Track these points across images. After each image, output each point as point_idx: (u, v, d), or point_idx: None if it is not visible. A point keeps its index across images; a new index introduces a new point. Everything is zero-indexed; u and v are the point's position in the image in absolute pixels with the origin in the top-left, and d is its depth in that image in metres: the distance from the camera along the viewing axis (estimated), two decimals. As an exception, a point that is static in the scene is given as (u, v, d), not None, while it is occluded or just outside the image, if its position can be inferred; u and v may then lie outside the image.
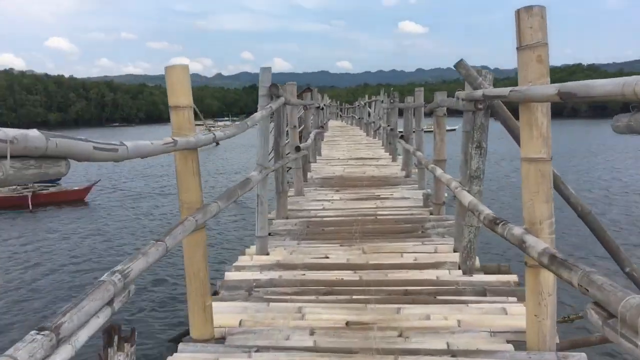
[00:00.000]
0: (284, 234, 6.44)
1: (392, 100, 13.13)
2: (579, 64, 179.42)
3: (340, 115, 46.75)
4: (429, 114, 8.27)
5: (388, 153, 15.12)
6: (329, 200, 8.52)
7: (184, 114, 3.10)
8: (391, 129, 13.05)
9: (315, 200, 8.61)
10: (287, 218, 7.32)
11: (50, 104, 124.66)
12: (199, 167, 3.22)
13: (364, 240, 6.05)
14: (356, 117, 32.54)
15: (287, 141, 10.30)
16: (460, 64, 4.71)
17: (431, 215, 7.24)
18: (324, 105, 22.95)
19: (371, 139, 21.84)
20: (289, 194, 9.23)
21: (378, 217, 7.33)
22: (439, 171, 6.19)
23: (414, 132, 10.31)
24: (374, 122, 22.51)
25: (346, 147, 18.32)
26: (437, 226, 6.56)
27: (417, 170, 10.15)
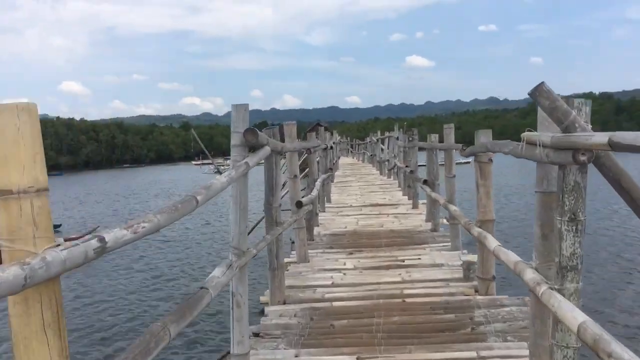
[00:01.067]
0: (277, 336, 4.60)
1: (410, 138, 11.38)
2: (591, 93, 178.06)
3: (351, 152, 45.12)
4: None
5: (407, 197, 13.32)
6: (340, 271, 6.68)
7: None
8: (411, 171, 11.28)
9: (322, 270, 6.78)
10: (284, 303, 5.49)
11: (61, 147, 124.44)
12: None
13: (389, 348, 4.19)
14: (368, 153, 30.82)
15: (285, 193, 8.63)
16: (540, 91, 2.93)
17: (478, 297, 5.38)
18: (334, 143, 21.26)
19: (385, 178, 20.04)
20: (291, 258, 7.44)
21: (406, 299, 5.47)
22: (492, 242, 4.39)
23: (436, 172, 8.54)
24: (388, 160, 20.73)
25: (359, 189, 16.52)
26: (492, 318, 4.69)
27: (446, 222, 8.34)
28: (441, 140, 8.19)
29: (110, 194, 41.31)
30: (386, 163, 21.05)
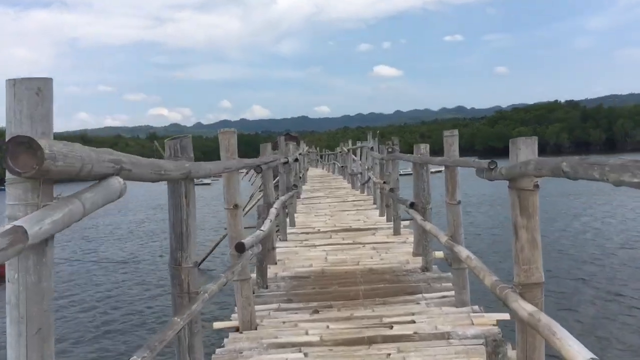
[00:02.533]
0: None
1: (389, 149, 9.29)
2: (556, 101, 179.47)
3: (321, 162, 43.03)
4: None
5: (385, 218, 11.23)
6: (299, 349, 4.48)
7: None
8: (391, 189, 9.19)
9: (274, 346, 4.57)
10: None
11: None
12: None
13: None
14: (338, 164, 28.76)
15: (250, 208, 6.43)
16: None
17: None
18: (299, 155, 19.10)
19: (358, 193, 17.95)
20: (231, 321, 5.27)
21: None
22: (559, 334, 2.31)
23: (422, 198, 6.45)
24: (360, 173, 18.65)
25: (329, 207, 14.36)
26: None
27: (443, 259, 6.26)
28: (437, 150, 6.13)
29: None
30: (359, 176, 18.98)
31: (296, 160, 14.30)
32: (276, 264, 7.59)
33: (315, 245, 8.88)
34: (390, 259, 7.58)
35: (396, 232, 9.46)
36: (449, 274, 6.52)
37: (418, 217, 6.72)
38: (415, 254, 7.59)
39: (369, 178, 15.60)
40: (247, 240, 4.82)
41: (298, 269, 7.25)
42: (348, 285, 6.34)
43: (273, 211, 6.79)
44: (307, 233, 10.16)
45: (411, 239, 8.95)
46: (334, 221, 11.60)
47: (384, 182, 10.98)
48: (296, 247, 8.87)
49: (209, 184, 56.73)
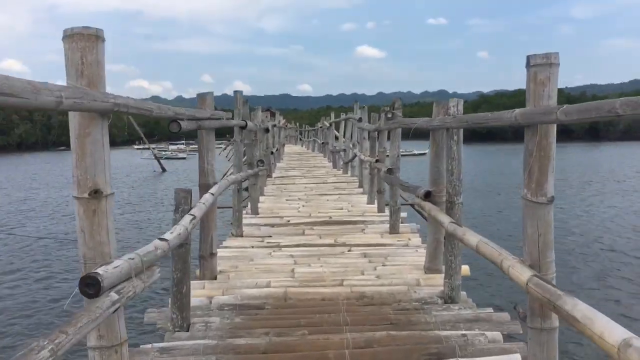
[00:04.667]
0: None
1: (389, 115, 6.63)
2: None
3: (301, 139, 40.23)
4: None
5: (376, 208, 8.66)
6: None
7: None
8: (388, 169, 6.57)
9: None
10: None
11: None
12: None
13: None
14: (319, 141, 26.08)
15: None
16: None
17: None
18: (274, 126, 16.38)
19: (340, 173, 15.35)
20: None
21: None
22: None
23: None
24: (344, 150, 16.00)
25: (304, 190, 11.73)
26: None
27: (519, 316, 4.06)
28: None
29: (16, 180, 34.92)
30: (341, 154, 16.34)
31: (267, 130, 11.61)
32: (216, 278, 4.96)
33: (280, 247, 6.24)
34: (391, 277, 4.97)
35: (393, 229, 6.87)
36: (490, 310, 3.98)
37: (441, 215, 4.13)
38: (428, 269, 5.02)
39: (355, 156, 13.00)
40: (111, 267, 2.16)
41: (247, 291, 4.60)
42: (324, 328, 3.74)
43: (207, 198, 4.13)
44: (273, 225, 7.52)
45: (415, 240, 6.40)
46: (310, 209, 8.97)
47: (377, 161, 8.36)
48: (253, 247, 6.23)
49: (184, 158, 53.76)
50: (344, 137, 17.04)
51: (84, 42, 2.27)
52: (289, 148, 31.30)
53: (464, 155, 4.18)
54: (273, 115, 19.50)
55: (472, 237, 3.26)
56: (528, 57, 2.58)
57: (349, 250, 6.02)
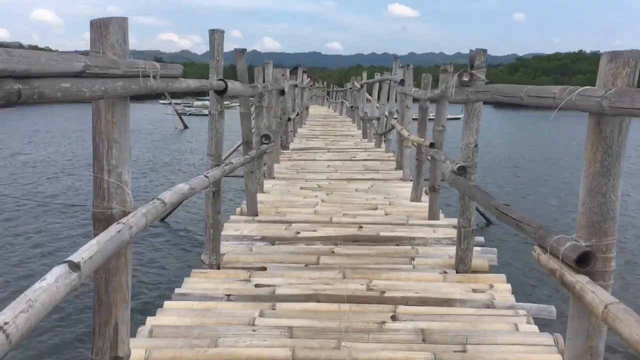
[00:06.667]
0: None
1: (468, 79, 3.96)
2: (581, 51, 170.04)
3: (328, 100, 37.30)
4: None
5: (427, 207, 6.02)
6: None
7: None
8: (460, 168, 3.95)
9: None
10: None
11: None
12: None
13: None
14: (347, 104, 23.29)
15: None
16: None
17: None
18: (294, 86, 13.68)
19: (371, 146, 12.69)
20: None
21: None
22: None
23: None
24: (377, 118, 13.25)
25: (327, 170, 9.14)
26: None
27: None
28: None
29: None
30: (374, 123, 13.60)
31: (282, 92, 8.95)
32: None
33: (273, 300, 3.67)
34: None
35: (463, 264, 4.24)
36: None
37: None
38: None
39: (392, 127, 10.31)
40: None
41: None
42: None
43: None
44: (273, 242, 4.95)
45: (504, 294, 3.79)
46: (332, 206, 6.37)
47: (431, 144, 5.67)
48: (229, 301, 3.68)
49: (207, 114, 50.92)
50: (378, 100, 14.31)
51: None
52: (314, 110, 28.57)
53: None
54: (295, 72, 16.67)
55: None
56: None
57: (392, 317, 3.43)
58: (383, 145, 12.07)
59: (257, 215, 5.88)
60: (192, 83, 3.12)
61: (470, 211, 4.18)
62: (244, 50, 5.64)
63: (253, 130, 6.74)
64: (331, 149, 12.13)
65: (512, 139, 30.83)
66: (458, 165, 4.07)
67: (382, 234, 5.21)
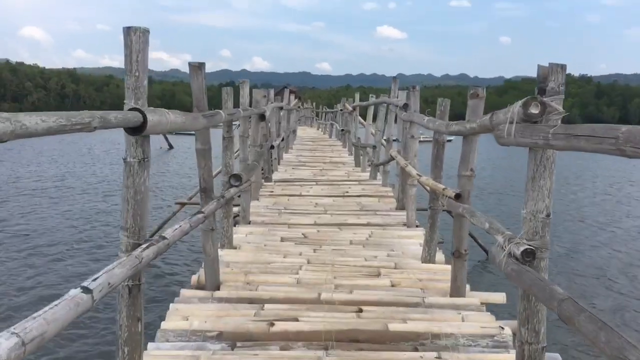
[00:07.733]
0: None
1: (539, 113, 2.48)
2: (569, 74, 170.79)
3: (317, 120, 35.80)
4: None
5: (450, 266, 4.49)
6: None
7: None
8: (525, 252, 2.48)
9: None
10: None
11: (4, 92, 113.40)
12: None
13: None
14: (338, 127, 21.84)
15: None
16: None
17: None
18: (279, 108, 12.16)
19: (365, 176, 11.18)
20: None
21: None
22: None
23: None
24: (373, 147, 11.71)
25: (314, 211, 7.62)
26: None
27: None
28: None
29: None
30: (369, 151, 12.08)
31: (262, 117, 7.41)
32: None
33: None
34: None
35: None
36: None
37: None
38: None
39: (391, 158, 8.80)
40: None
41: None
42: None
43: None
44: (235, 341, 3.40)
45: None
46: (319, 271, 4.80)
47: (457, 196, 4.14)
48: None
49: (194, 133, 49.07)
50: (373, 123, 12.81)
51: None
52: (302, 131, 27.07)
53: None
54: (281, 94, 15.15)
55: None
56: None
57: None
58: (379, 176, 10.58)
59: (218, 288, 4.31)
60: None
61: (539, 318, 2.64)
62: (201, 64, 4.13)
63: (221, 168, 5.22)
64: (320, 181, 10.59)
65: (506, 164, 29.34)
66: (523, 249, 2.54)
67: (391, 326, 3.64)
